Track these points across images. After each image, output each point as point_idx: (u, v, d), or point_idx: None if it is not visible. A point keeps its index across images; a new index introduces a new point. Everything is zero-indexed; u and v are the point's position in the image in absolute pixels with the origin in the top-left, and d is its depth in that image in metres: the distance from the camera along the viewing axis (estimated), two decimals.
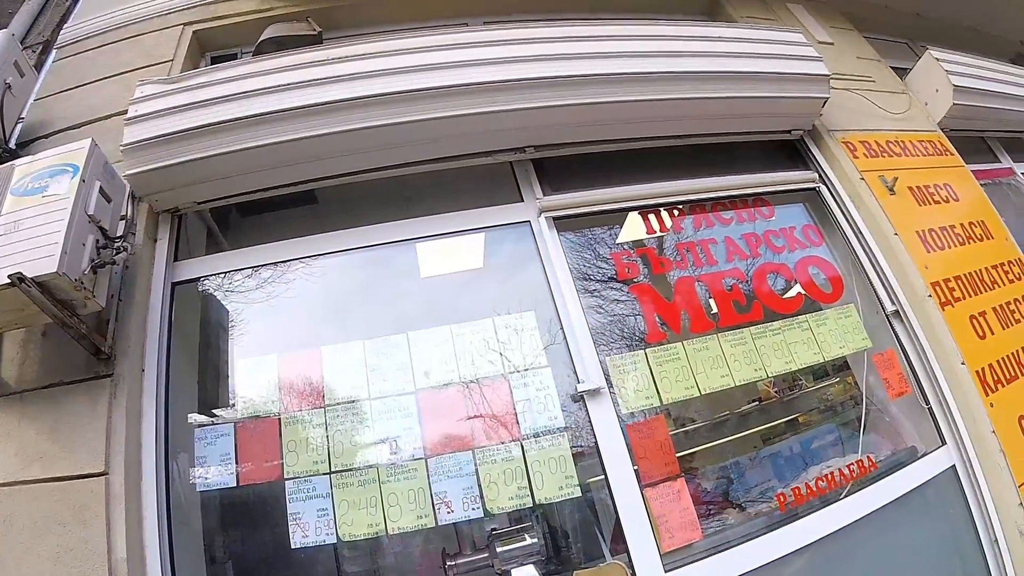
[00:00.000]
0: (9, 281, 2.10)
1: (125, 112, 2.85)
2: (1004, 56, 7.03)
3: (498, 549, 2.63)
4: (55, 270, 2.12)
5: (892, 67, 4.77)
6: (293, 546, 2.44)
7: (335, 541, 2.45)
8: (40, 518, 2.32)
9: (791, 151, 3.78)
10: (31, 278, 2.12)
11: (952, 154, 4.22)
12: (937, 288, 3.34)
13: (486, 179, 3.23)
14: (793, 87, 3.45)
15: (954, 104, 4.28)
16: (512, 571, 2.58)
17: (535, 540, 2.64)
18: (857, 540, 2.81)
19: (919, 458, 3.11)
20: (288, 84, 2.80)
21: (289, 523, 2.46)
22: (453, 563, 2.64)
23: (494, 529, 2.68)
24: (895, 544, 2.90)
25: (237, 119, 2.74)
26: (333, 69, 2.86)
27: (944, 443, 3.16)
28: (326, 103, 2.77)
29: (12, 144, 3.07)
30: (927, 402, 3.21)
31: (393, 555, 2.91)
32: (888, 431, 3.34)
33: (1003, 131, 5.14)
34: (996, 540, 2.98)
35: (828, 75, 3.53)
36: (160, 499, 2.46)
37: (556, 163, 3.23)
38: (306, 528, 2.45)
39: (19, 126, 3.19)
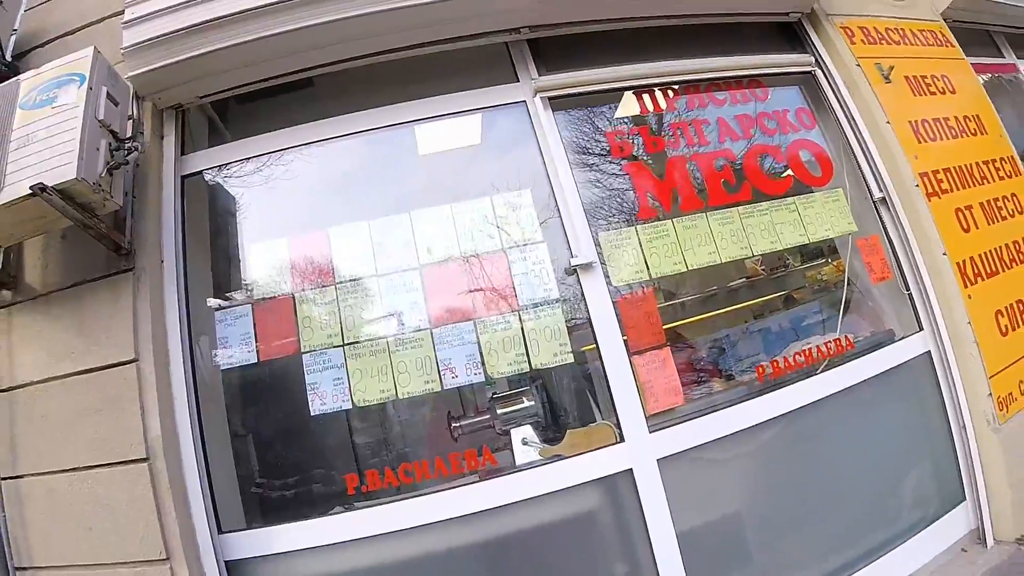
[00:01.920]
0: (31, 192, 2.23)
1: (118, 14, 2.90)
2: None
3: (498, 411, 2.87)
4: (75, 176, 2.24)
5: None
6: (312, 413, 2.66)
7: (351, 407, 2.67)
8: (76, 409, 2.54)
9: (789, 34, 3.76)
10: (52, 186, 2.24)
11: (953, 45, 4.20)
12: (925, 179, 3.41)
13: (484, 61, 3.23)
14: None
15: None
16: (511, 431, 2.82)
17: (532, 403, 2.88)
18: (832, 413, 3.03)
19: (896, 341, 3.28)
20: None
21: (308, 392, 2.67)
22: (458, 424, 2.89)
23: (495, 393, 2.90)
24: (868, 420, 3.12)
25: (233, 14, 2.76)
26: None
27: (921, 329, 3.32)
28: None
29: (8, 56, 3.12)
30: (907, 288, 3.35)
31: (406, 419, 3.16)
32: (868, 313, 3.49)
33: (1009, 27, 5.09)
34: (964, 426, 3.20)
35: None
36: (188, 379, 2.68)
37: (552, 43, 3.25)
38: (324, 396, 2.67)
39: (13, 38, 3.21)
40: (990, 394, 3.18)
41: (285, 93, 3.19)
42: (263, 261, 2.99)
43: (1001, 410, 3.20)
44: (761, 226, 3.17)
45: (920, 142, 3.52)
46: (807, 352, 3.07)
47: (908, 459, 3.21)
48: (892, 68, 3.60)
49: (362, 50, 3.05)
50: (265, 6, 2.77)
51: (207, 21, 2.76)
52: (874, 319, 3.48)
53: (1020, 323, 3.48)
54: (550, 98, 3.09)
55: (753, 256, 3.19)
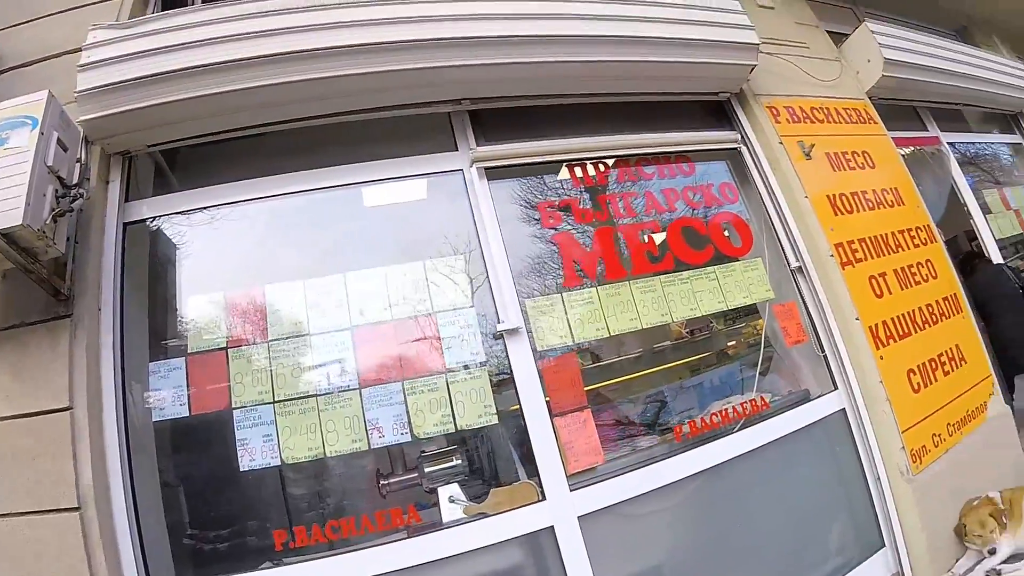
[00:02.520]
0: None
1: (76, 51, 2.92)
2: (950, 27, 7.27)
3: (426, 469, 2.94)
4: (20, 222, 2.24)
5: (833, 31, 4.99)
6: (242, 469, 2.69)
7: (279, 463, 2.71)
8: (11, 453, 2.51)
9: (719, 111, 4.00)
10: None
11: (876, 123, 4.47)
12: (840, 249, 3.64)
13: (428, 128, 3.37)
14: (722, 54, 3.64)
15: (883, 75, 4.52)
16: (439, 489, 2.90)
17: (459, 462, 2.96)
18: (752, 469, 3.18)
19: (812, 400, 3.47)
20: (235, 35, 2.90)
21: (238, 448, 2.70)
22: (387, 482, 2.95)
23: (423, 452, 2.98)
24: (788, 474, 3.28)
25: (188, 68, 2.84)
26: (279, 21, 2.94)
27: (836, 388, 3.51)
28: (271, 55, 2.88)
29: None
30: (822, 350, 3.54)
31: (335, 476, 3.20)
32: (786, 374, 3.68)
33: (931, 102, 5.41)
34: (879, 478, 3.37)
35: (757, 44, 3.72)
36: (120, 429, 2.67)
37: (492, 115, 3.40)
38: (253, 452, 2.70)
39: None
40: (903, 447, 3.37)
41: (235, 144, 3.24)
42: (200, 313, 3.02)
43: (915, 462, 3.39)
44: (681, 294, 3.34)
45: (837, 214, 3.75)
46: (724, 412, 3.22)
47: (828, 510, 3.37)
48: (813, 146, 3.84)
49: (310, 111, 3.15)
50: (219, 64, 2.86)
51: (162, 73, 2.82)
52: (791, 379, 3.67)
53: (933, 380, 3.70)
54: (486, 168, 3.24)
55: (673, 322, 3.34)
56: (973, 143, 6.30)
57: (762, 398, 3.36)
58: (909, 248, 4.04)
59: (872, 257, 3.78)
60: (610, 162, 3.56)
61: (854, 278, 3.61)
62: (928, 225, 4.29)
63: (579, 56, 3.26)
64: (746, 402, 3.30)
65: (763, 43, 4.07)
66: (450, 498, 2.90)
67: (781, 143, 3.79)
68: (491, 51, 3.12)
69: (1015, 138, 7.05)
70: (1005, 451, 4.01)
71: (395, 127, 3.32)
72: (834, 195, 3.82)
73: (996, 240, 5.39)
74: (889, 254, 3.90)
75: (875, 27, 4.62)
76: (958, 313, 4.17)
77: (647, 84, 3.61)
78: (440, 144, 3.33)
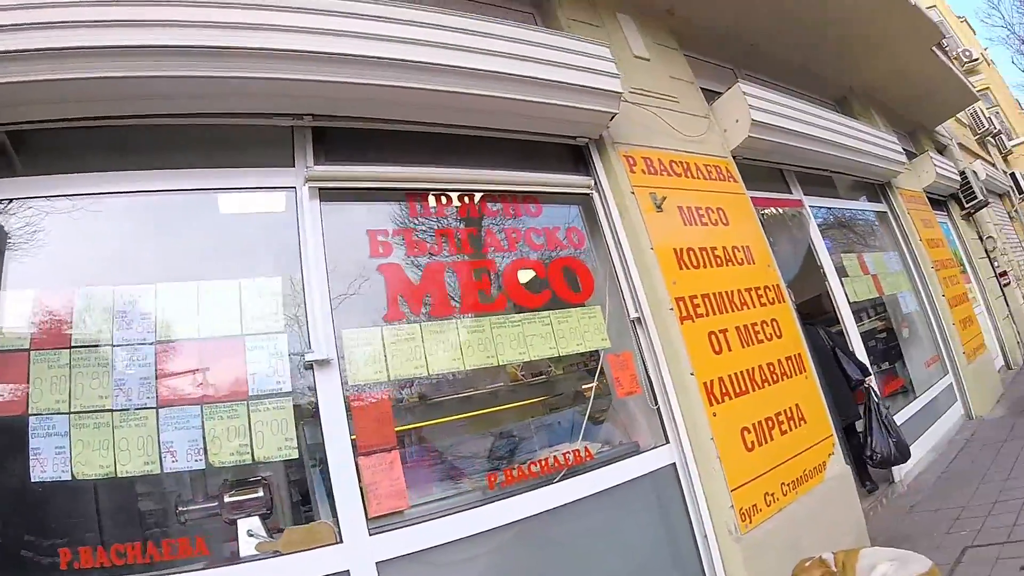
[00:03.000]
0: None
1: None
2: (831, 97, 7.64)
3: (226, 500, 2.75)
4: None
5: (711, 90, 5.10)
6: (32, 479, 2.49)
7: (70, 479, 2.51)
8: None
9: (576, 155, 4.00)
10: None
11: (736, 181, 4.59)
12: (681, 303, 3.67)
13: (273, 141, 3.20)
14: (583, 99, 3.64)
15: (750, 136, 4.65)
16: (238, 521, 2.71)
17: (261, 494, 2.77)
18: (574, 520, 3.11)
19: (641, 453, 3.45)
20: (74, 21, 2.64)
21: (30, 457, 2.50)
22: (184, 509, 2.75)
23: (225, 480, 2.78)
24: (614, 527, 3.22)
25: (34, 50, 2.60)
26: (121, 12, 2.70)
27: (668, 442, 3.51)
28: (108, 47, 2.67)
29: None
30: (656, 403, 3.54)
31: (133, 497, 2.94)
32: (619, 425, 3.67)
33: (799, 166, 5.62)
34: (707, 536, 3.38)
35: (620, 93, 3.75)
36: None
37: (338, 135, 3.28)
38: (44, 464, 2.50)
39: None
40: (732, 506, 3.38)
41: (79, 134, 2.99)
42: (7, 310, 2.76)
43: (744, 520, 3.40)
44: (511, 337, 3.28)
45: (682, 268, 3.79)
46: (545, 461, 3.16)
47: (655, 565, 3.34)
48: (665, 198, 3.88)
49: (152, 109, 2.94)
50: (59, 49, 2.62)
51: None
52: (623, 431, 3.65)
53: (768, 438, 3.76)
54: (320, 188, 3.10)
55: (500, 365, 3.27)
56: (839, 208, 6.61)
57: (587, 448, 3.31)
58: (755, 306, 4.13)
59: (714, 313, 3.83)
60: (453, 196, 3.49)
61: (693, 333, 3.64)
62: (777, 285, 4.40)
63: (428, 84, 3.17)
64: (570, 452, 3.25)
65: (631, 93, 4.14)
66: (248, 532, 2.72)
67: (633, 193, 3.82)
68: (336, 68, 2.99)
69: (880, 206, 7.45)
70: (843, 512, 4.12)
71: (244, 136, 3.16)
72: (682, 249, 3.87)
73: (850, 303, 5.62)
74: (733, 311, 3.97)
75: (748, 88, 4.75)
76: (801, 373, 4.28)
77: (502, 120, 3.56)
78: (279, 159, 3.17)
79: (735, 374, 3.77)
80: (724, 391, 3.66)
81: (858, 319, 6.35)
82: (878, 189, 7.56)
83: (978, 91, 18.40)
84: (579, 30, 4.20)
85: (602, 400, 3.60)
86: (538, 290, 3.50)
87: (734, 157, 4.79)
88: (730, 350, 3.82)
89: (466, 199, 3.53)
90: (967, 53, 20.25)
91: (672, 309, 3.61)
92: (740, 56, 6.20)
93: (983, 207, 10.96)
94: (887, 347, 6.99)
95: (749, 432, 3.68)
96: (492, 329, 3.24)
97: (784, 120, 4.96)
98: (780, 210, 5.27)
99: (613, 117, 3.81)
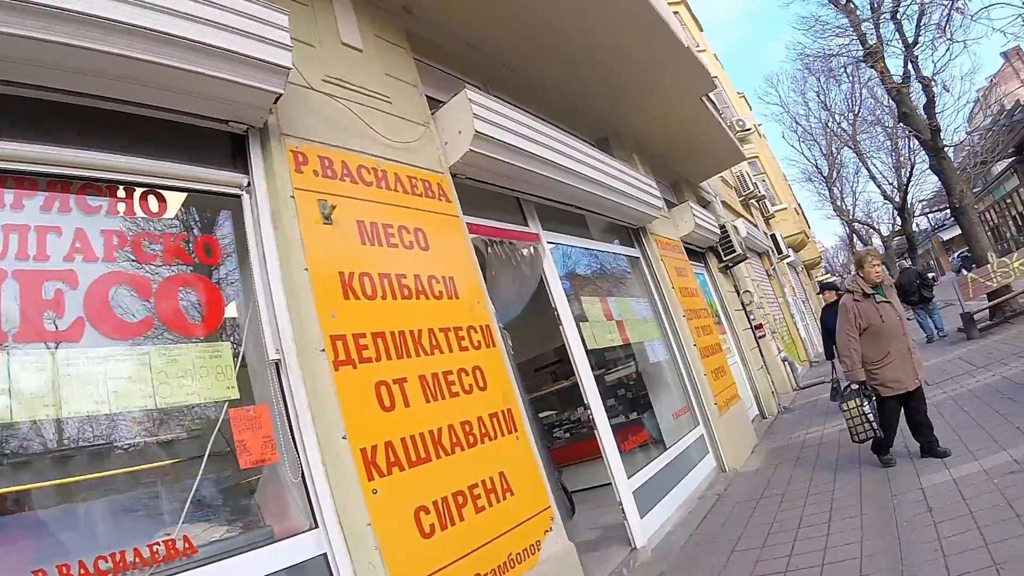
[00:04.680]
0: None
1: None
2: (593, 135, 7.38)
3: None
4: None
5: (440, 100, 4.40)
6: None
7: None
8: None
9: (237, 146, 3.08)
10: None
11: (449, 201, 3.91)
12: (339, 343, 2.84)
13: None
14: (237, 70, 2.74)
15: (472, 151, 3.99)
16: None
17: None
18: None
19: (275, 542, 2.54)
20: None
21: None
22: None
23: None
24: None
25: None
26: None
27: (316, 526, 2.64)
28: None
29: None
30: (301, 475, 2.67)
31: None
32: (249, 504, 2.74)
33: (540, 196, 5.09)
34: None
35: (288, 69, 2.89)
36: None
37: None
38: None
39: None
40: None
41: None
42: None
43: None
44: (90, 378, 2.28)
45: (348, 298, 2.99)
46: (120, 557, 2.16)
47: None
48: (335, 207, 3.06)
49: None
50: None
51: None
52: (255, 512, 2.73)
53: (457, 519, 3.03)
54: None
55: (61, 417, 2.24)
56: (585, 248, 6.18)
57: (186, 539, 2.34)
58: (452, 351, 3.41)
59: (389, 357, 3.04)
60: (37, 179, 2.43)
61: (352, 383, 2.83)
62: (487, 326, 3.73)
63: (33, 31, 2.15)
64: (160, 544, 2.26)
65: (325, 81, 3.38)
66: None
67: (293, 196, 2.97)
68: None
69: (634, 251, 7.20)
70: None
71: None
72: (351, 273, 3.05)
73: (588, 350, 5.12)
74: (420, 356, 3.21)
75: (476, 96, 4.11)
76: (511, 432, 3.60)
77: (118, 88, 2.56)
78: None
79: (412, 437, 2.99)
80: (393, 460, 2.85)
81: (599, 367, 5.96)
82: (632, 233, 7.30)
83: (748, 158, 19.95)
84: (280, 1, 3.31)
85: (228, 469, 2.65)
86: (137, 317, 2.52)
87: (457, 175, 4.12)
88: (407, 406, 3.03)
89: (57, 187, 2.47)
90: (741, 123, 22.05)
91: (323, 350, 2.77)
92: (492, 75, 5.66)
93: (741, 261, 11.38)
94: (635, 397, 6.66)
95: (428, 513, 2.91)
96: (59, 366, 2.23)
97: (520, 140, 4.37)
98: (510, 242, 4.64)
99: (278, 99, 2.95)
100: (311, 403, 2.71)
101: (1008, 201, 29.42)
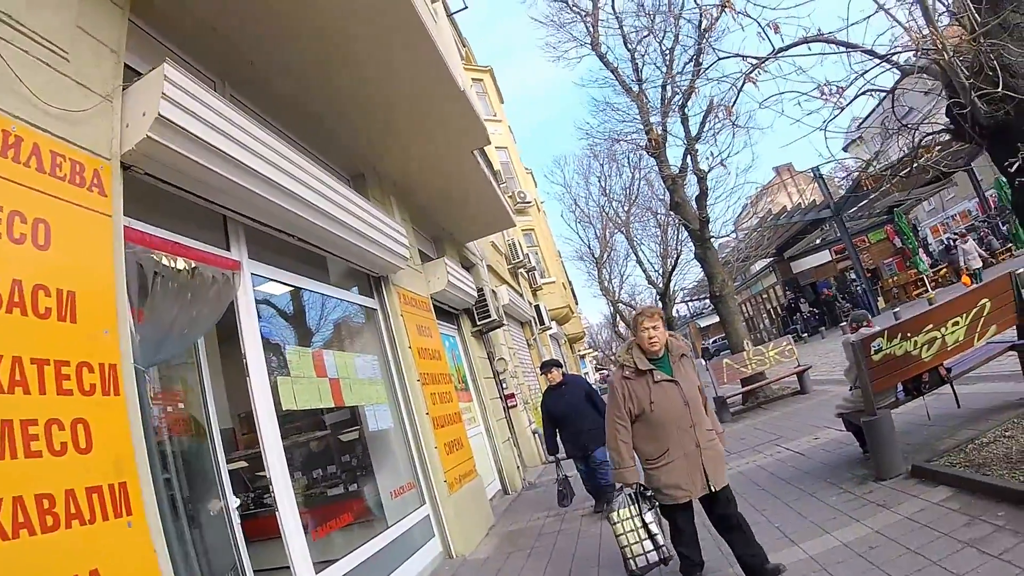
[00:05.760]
0: None
1: None
2: (348, 171, 6.75)
3: None
4: None
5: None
6: None
7: None
8: None
9: None
10: None
11: (104, 196, 2.98)
12: None
13: None
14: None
15: (148, 137, 3.13)
16: None
17: None
18: None
19: None
20: None
21: None
22: None
23: None
24: None
25: None
26: None
27: None
28: None
29: None
30: None
31: None
32: None
33: (254, 219, 4.28)
34: None
35: None
36: None
37: None
38: None
39: None
40: None
41: None
42: None
43: None
44: None
45: None
46: None
47: None
48: None
49: None
50: None
51: None
52: None
53: None
54: None
55: None
56: (306, 289, 5.38)
57: None
58: (45, 393, 2.41)
59: None
60: None
61: None
62: (115, 367, 2.79)
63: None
64: None
65: None
66: None
67: None
68: None
69: (371, 302, 6.55)
70: None
71: None
72: None
73: (282, 411, 4.31)
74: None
75: (176, 75, 3.26)
76: (120, 516, 2.59)
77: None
78: None
79: None
80: None
81: (306, 430, 5.17)
82: (373, 282, 6.58)
83: (524, 229, 20.36)
84: None
85: None
86: None
87: (133, 168, 3.20)
88: None
89: None
90: (522, 194, 22.62)
91: None
92: (234, 72, 4.81)
93: (497, 328, 11.10)
94: (355, 467, 5.92)
95: None
96: None
97: (228, 143, 3.52)
98: (194, 265, 3.71)
99: None
100: None
101: (764, 296, 33.52)
